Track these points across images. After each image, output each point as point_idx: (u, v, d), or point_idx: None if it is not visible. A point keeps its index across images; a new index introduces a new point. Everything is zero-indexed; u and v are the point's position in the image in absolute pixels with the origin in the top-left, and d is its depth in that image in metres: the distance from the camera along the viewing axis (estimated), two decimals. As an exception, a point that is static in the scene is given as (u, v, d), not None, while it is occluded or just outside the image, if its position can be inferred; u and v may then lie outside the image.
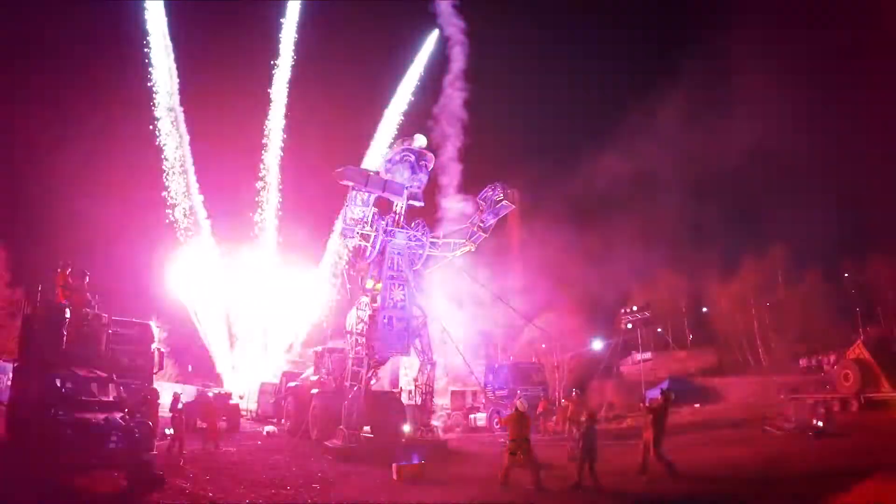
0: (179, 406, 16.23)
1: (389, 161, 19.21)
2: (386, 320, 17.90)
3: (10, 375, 14.79)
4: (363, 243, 18.50)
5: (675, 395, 15.61)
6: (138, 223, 36.63)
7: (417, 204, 19.40)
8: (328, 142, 37.16)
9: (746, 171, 36.23)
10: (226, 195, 39.53)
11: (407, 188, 18.93)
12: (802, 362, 26.95)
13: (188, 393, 23.04)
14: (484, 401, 26.69)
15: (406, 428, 18.19)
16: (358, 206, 18.28)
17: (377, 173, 19.03)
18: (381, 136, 38.26)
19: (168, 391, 20.47)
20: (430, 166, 19.53)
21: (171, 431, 15.05)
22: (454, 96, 22.89)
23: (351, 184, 18.06)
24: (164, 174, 35.08)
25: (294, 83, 38.24)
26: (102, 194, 34.43)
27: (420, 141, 19.31)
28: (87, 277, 15.12)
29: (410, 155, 18.86)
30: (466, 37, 24.42)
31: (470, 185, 21.41)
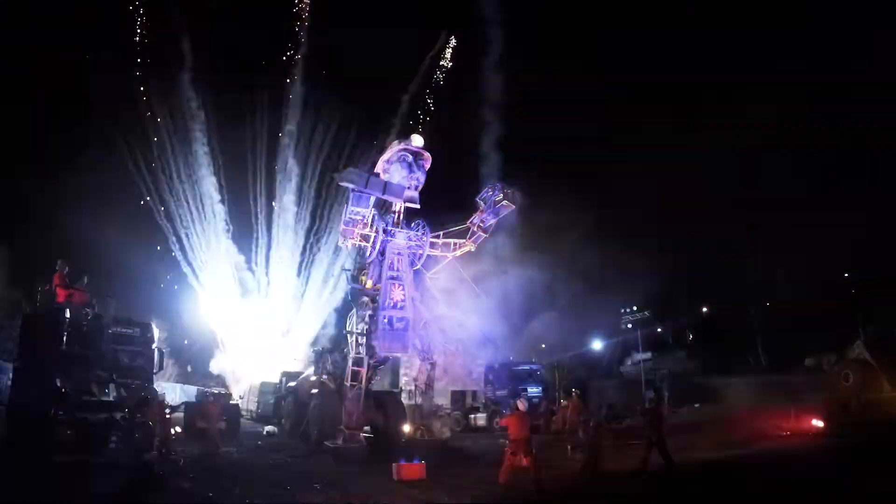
0: (167, 410, 15.31)
1: (387, 161, 19.16)
2: (386, 320, 17.88)
3: (11, 375, 14.77)
4: (363, 244, 18.50)
5: (667, 394, 15.65)
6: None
7: (413, 206, 19.25)
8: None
9: (747, 167, 36.20)
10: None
11: (405, 189, 18.87)
12: (805, 362, 26.98)
13: (188, 393, 23.02)
14: (484, 401, 26.72)
15: (406, 428, 18.19)
16: (357, 207, 18.25)
17: (377, 174, 18.98)
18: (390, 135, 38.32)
19: (170, 391, 20.39)
20: (427, 166, 19.46)
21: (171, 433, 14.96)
22: (493, 82, 22.55)
23: (351, 185, 18.02)
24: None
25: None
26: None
27: (417, 140, 19.25)
28: (86, 278, 15.14)
29: (408, 154, 18.81)
30: (503, 21, 23.90)
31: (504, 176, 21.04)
